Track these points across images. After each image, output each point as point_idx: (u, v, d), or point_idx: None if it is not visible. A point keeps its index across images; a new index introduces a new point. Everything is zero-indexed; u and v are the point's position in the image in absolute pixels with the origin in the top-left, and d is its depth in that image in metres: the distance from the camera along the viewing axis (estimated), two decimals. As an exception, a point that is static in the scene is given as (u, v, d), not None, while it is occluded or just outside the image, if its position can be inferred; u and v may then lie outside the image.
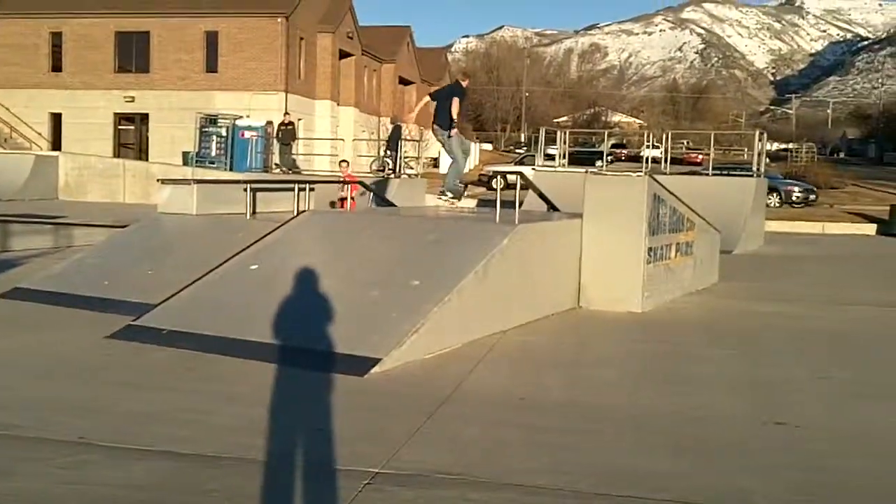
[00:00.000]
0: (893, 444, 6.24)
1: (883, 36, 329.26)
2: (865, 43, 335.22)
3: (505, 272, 9.76)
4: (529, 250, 10.44)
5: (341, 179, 19.69)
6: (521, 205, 11.68)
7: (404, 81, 64.59)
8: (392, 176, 25.96)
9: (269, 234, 11.05)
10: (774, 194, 34.31)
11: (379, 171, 28.39)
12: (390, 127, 31.13)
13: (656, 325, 10.73)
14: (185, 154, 36.85)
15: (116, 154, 43.36)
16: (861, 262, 19.94)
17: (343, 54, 51.05)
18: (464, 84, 14.97)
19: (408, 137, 33.73)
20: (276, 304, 8.84)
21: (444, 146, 15.00)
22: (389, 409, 6.72)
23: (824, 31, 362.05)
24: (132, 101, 44.90)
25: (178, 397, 6.88)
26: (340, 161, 23.00)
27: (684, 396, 7.33)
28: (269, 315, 8.67)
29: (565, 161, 27.32)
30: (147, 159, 41.51)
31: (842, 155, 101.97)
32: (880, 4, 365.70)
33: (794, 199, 35.77)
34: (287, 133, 30.70)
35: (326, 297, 8.92)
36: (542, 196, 15.79)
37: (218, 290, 9.84)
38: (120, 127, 46.07)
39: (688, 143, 78.34)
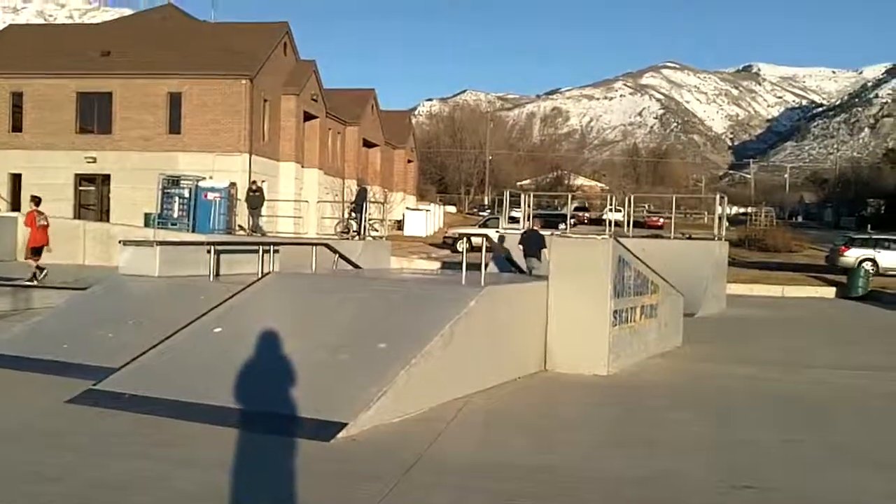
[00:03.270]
0: (862, 509, 6.23)
1: (837, 103, 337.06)
2: (820, 109, 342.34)
3: (471, 335, 9.71)
4: (496, 313, 10.42)
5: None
6: (486, 267, 11.68)
7: (368, 144, 64.82)
8: (357, 238, 25.95)
9: (232, 296, 10.95)
10: None
11: (343, 233, 28.40)
12: (355, 189, 31.20)
13: (622, 388, 10.71)
14: (146, 215, 36.62)
15: (77, 215, 42.89)
16: (821, 325, 20.11)
17: (307, 116, 51.21)
18: None
19: (373, 199, 33.80)
20: (239, 368, 8.72)
21: None
22: (355, 475, 6.61)
23: (780, 97, 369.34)
24: (94, 162, 44.56)
25: (140, 463, 6.74)
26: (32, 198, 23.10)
27: (653, 460, 7.29)
28: (233, 379, 8.54)
29: (529, 223, 27.44)
30: (108, 220, 41.14)
31: (799, 219, 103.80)
32: (833, 72, 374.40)
33: None
34: (255, 198, 30.81)
35: (291, 359, 8.81)
36: (507, 258, 15.86)
37: (180, 353, 9.71)
38: (80, 188, 45.65)
39: (649, 206, 79.40)
